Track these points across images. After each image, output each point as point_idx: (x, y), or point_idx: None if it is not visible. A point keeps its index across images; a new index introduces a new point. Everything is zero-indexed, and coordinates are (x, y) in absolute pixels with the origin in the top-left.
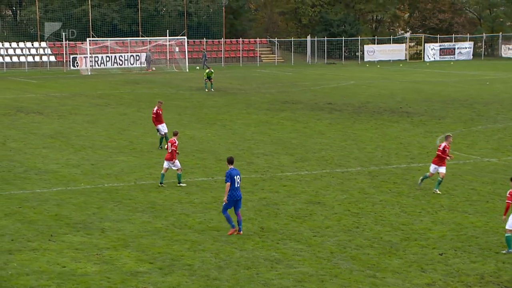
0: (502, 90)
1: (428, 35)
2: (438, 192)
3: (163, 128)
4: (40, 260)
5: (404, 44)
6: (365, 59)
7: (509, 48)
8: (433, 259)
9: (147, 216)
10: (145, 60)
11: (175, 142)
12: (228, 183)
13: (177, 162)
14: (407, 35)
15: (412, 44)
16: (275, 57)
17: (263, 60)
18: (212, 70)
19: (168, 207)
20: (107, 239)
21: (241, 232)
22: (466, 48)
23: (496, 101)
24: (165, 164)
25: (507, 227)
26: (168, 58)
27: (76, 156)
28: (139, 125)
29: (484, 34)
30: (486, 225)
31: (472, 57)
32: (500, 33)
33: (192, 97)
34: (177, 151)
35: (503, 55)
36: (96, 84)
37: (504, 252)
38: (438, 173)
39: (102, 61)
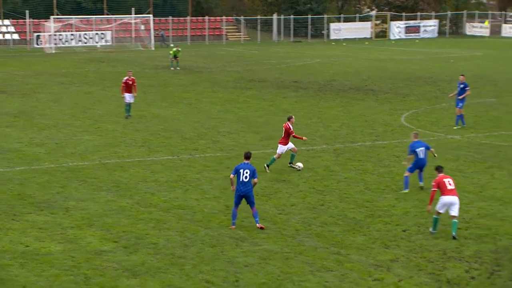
0: (466, 68)
1: (394, 13)
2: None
3: (129, 98)
4: (3, 240)
5: (369, 22)
6: (331, 37)
7: (473, 26)
8: (396, 236)
9: (112, 195)
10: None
11: (289, 128)
12: (232, 176)
13: (285, 147)
14: (373, 13)
15: (378, 22)
16: (241, 35)
17: (229, 39)
18: (180, 49)
19: (133, 186)
20: (71, 218)
21: (259, 225)
22: (431, 26)
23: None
24: (280, 148)
25: (436, 208)
26: (133, 36)
27: (39, 135)
28: (104, 103)
29: (448, 12)
30: None
31: (437, 35)
32: (465, 11)
33: (157, 75)
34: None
35: (468, 33)
36: (60, 63)
37: (433, 232)
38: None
39: (66, 39)
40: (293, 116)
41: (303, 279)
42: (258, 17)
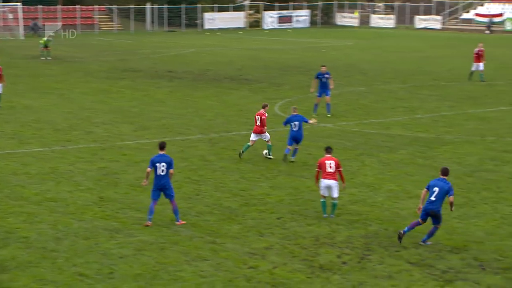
0: (337, 57)
1: (267, 3)
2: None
3: None
4: None
5: (243, 12)
6: (206, 27)
7: (343, 16)
8: (271, 224)
9: None
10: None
11: (264, 114)
12: (149, 169)
13: (266, 134)
14: (246, 3)
15: (251, 12)
16: (114, 24)
17: (102, 28)
18: (50, 39)
19: (3, 178)
20: None
21: (179, 222)
22: (303, 16)
23: (331, 68)
24: (253, 136)
25: (321, 193)
26: (1, 25)
27: None
28: None
29: (320, 3)
30: None
31: (309, 25)
32: (335, 1)
33: (27, 65)
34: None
35: (338, 23)
36: None
37: (325, 216)
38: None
39: None
40: (268, 105)
41: (178, 269)
42: (131, 6)
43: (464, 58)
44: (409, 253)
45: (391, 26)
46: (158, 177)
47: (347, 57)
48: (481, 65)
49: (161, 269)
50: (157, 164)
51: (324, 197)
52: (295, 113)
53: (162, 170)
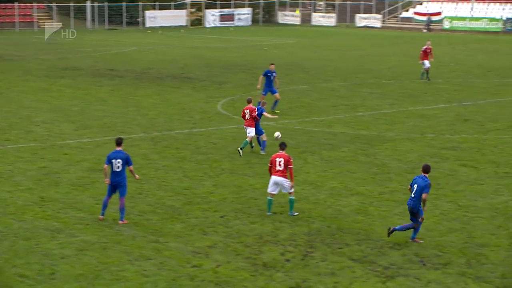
0: (278, 55)
1: (209, 1)
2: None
3: None
4: None
5: (185, 10)
6: (147, 25)
7: (285, 15)
8: (214, 222)
9: None
10: None
11: (255, 109)
12: (105, 166)
13: (252, 129)
14: (188, 1)
15: (193, 10)
16: (53, 22)
17: (41, 26)
18: None
19: None
20: None
21: (122, 221)
22: (245, 14)
23: None
24: (248, 130)
25: (268, 190)
26: None
27: None
28: None
29: (261, 1)
30: (265, 186)
31: (251, 23)
32: None
33: None
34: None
35: (280, 21)
36: None
37: (268, 214)
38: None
39: None
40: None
41: (121, 268)
42: (71, 4)
43: (404, 56)
44: (351, 250)
45: (332, 25)
46: (113, 173)
47: (289, 56)
48: (426, 63)
49: (104, 269)
50: (113, 161)
51: (272, 195)
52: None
53: (118, 167)
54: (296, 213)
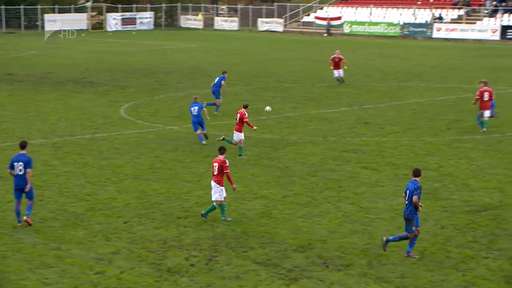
0: (182, 60)
1: (110, 4)
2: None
3: None
4: None
5: (85, 14)
6: (47, 29)
7: (187, 19)
8: (117, 228)
9: None
10: None
11: (245, 115)
12: (9, 170)
13: (241, 134)
14: (88, 4)
15: (94, 13)
16: None
17: None
18: None
19: None
20: None
21: (27, 218)
22: (147, 18)
23: (177, 70)
24: (235, 135)
25: (213, 198)
26: None
27: None
28: None
29: (164, 5)
30: (169, 191)
31: (153, 27)
32: (179, 3)
33: None
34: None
35: (183, 25)
36: None
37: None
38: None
39: None
40: (249, 104)
41: (21, 277)
42: None
43: (305, 60)
44: (256, 253)
45: (235, 29)
46: (16, 176)
47: (192, 59)
48: (341, 72)
49: (3, 278)
50: (15, 164)
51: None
52: (195, 102)
53: (20, 170)
54: (224, 218)
